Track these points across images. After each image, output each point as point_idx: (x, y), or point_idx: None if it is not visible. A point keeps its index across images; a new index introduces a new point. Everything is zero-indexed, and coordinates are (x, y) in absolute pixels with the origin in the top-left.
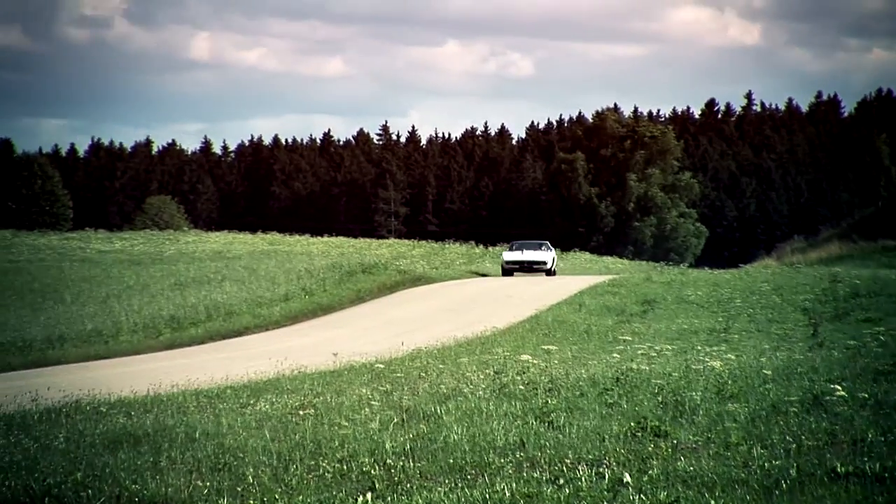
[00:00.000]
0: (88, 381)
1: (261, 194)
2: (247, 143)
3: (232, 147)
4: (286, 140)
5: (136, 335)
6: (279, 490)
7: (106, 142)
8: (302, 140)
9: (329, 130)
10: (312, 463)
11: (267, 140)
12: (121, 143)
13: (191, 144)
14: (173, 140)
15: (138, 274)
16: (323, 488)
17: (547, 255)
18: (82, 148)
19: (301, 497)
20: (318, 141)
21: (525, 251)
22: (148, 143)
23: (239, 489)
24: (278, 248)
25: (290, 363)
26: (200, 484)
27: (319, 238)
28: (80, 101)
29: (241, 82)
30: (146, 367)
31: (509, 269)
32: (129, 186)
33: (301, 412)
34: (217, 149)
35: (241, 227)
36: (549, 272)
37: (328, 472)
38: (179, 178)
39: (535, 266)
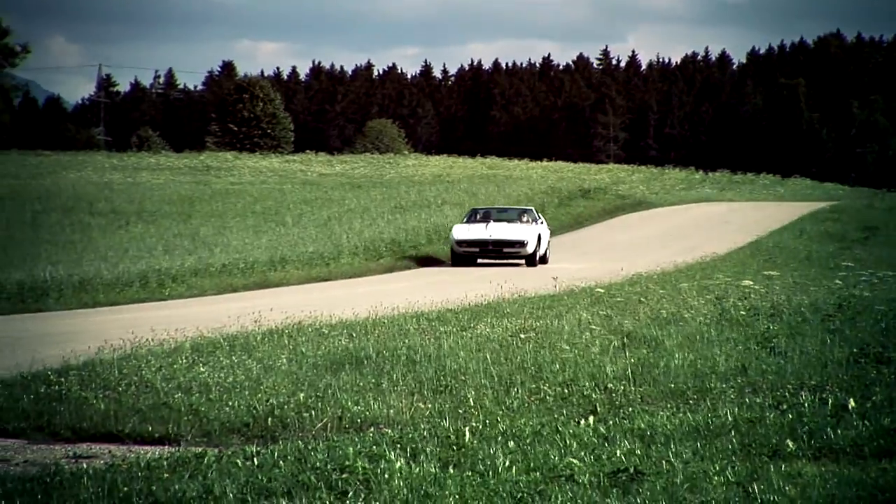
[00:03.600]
0: (310, 302)
1: (480, 118)
2: (466, 68)
3: (451, 71)
4: (506, 64)
5: (357, 258)
6: (500, 412)
7: (326, 65)
8: (521, 64)
9: (549, 55)
10: (534, 386)
11: (486, 64)
12: (341, 67)
13: (410, 68)
14: (393, 64)
15: (359, 197)
16: (544, 411)
17: (528, 231)
18: (303, 71)
19: (523, 420)
20: (538, 66)
21: (492, 224)
22: (369, 66)
23: (461, 411)
24: (497, 173)
25: (510, 287)
26: (422, 406)
27: (538, 162)
28: (300, 25)
29: (459, 6)
30: (367, 289)
31: (464, 255)
32: (350, 110)
33: (521, 336)
34: (437, 73)
35: (460, 151)
36: (533, 258)
37: (549, 395)
38: (399, 102)
39: (506, 249)
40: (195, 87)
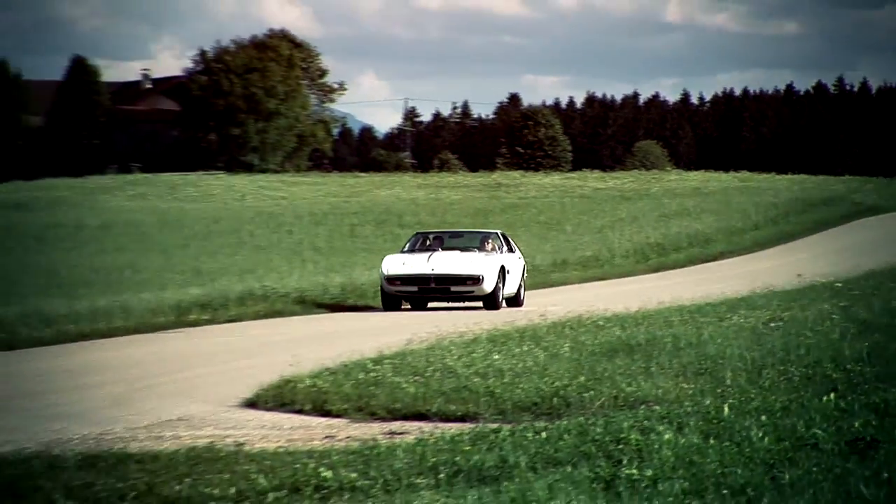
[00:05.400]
0: (588, 298)
1: (732, 138)
2: (720, 94)
3: (706, 98)
4: (753, 91)
5: (627, 260)
6: (754, 391)
7: (599, 95)
8: (767, 91)
9: (791, 82)
10: (782, 368)
11: (737, 91)
12: (612, 96)
13: (671, 96)
14: (656, 92)
15: (628, 208)
16: (791, 390)
17: (485, 262)
18: (578, 101)
19: (773, 397)
20: (781, 92)
21: (437, 254)
22: (635, 95)
23: (719, 390)
24: (748, 185)
25: (760, 283)
26: (686, 386)
27: (784, 175)
28: (575, 60)
29: (711, 42)
30: (636, 286)
31: (398, 295)
32: (620, 133)
33: (771, 324)
34: (694, 99)
35: (715, 166)
36: (493, 300)
37: (796, 376)
38: (662, 125)
39: (454, 287)
40: (487, 115)
